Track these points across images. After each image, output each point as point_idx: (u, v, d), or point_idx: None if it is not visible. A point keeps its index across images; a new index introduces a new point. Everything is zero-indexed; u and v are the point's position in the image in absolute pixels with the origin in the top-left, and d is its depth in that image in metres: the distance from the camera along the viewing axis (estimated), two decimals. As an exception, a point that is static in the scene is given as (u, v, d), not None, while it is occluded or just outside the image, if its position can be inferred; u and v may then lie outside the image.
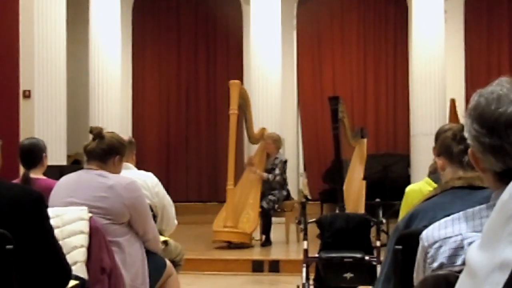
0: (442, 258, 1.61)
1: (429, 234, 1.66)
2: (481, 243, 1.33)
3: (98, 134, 3.99)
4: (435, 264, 1.62)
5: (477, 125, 1.51)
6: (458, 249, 1.58)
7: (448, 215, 1.68)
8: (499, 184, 1.52)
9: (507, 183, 1.34)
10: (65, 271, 2.61)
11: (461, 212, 1.63)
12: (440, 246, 1.62)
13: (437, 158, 2.70)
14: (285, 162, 9.74)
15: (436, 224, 1.67)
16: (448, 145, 2.60)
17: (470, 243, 1.51)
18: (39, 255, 2.49)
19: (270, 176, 9.49)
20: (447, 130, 2.68)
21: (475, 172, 1.66)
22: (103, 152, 3.96)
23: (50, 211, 3.21)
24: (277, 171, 9.52)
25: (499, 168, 1.51)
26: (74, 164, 11.25)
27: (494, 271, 1.23)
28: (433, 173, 4.56)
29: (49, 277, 2.53)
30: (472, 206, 1.64)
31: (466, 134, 1.56)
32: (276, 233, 9.53)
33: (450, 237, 1.60)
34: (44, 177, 4.91)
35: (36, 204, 2.52)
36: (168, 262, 4.43)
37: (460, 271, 1.41)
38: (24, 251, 2.44)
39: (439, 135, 2.77)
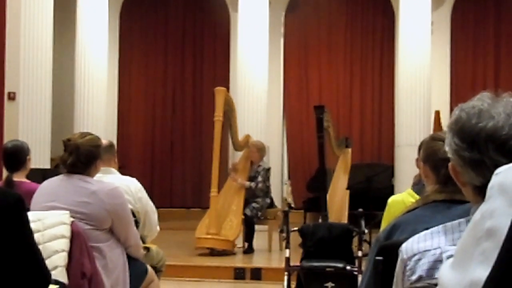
0: (420, 271, 1.61)
1: (408, 247, 1.66)
2: (453, 262, 1.33)
3: (74, 148, 3.92)
4: (414, 277, 1.63)
5: (458, 139, 1.52)
6: (437, 262, 1.59)
7: (428, 228, 1.69)
8: (478, 198, 1.53)
9: (486, 198, 1.34)
10: (44, 276, 2.58)
11: (440, 226, 1.64)
12: (419, 259, 1.62)
13: (422, 163, 2.66)
14: (268, 169, 9.72)
15: (416, 237, 1.67)
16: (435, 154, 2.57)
17: (448, 256, 1.52)
18: (18, 259, 2.46)
19: (252, 184, 9.48)
20: (438, 139, 2.59)
21: (457, 186, 1.66)
22: (84, 165, 3.93)
23: (31, 214, 3.20)
24: (259, 179, 9.51)
25: (479, 182, 1.52)
26: (58, 168, 11.19)
27: None
28: (417, 184, 4.56)
29: (27, 281, 2.50)
30: (452, 220, 1.65)
31: (446, 148, 1.57)
32: (259, 241, 9.52)
33: (429, 250, 1.61)
34: (28, 181, 4.87)
35: (15, 206, 2.46)
36: (149, 268, 4.42)
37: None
38: (2, 254, 2.41)
39: (423, 144, 2.73)
